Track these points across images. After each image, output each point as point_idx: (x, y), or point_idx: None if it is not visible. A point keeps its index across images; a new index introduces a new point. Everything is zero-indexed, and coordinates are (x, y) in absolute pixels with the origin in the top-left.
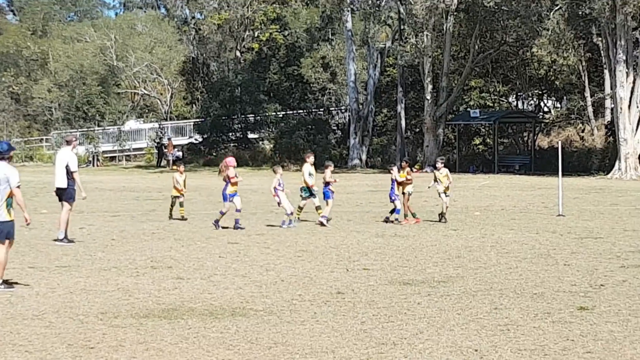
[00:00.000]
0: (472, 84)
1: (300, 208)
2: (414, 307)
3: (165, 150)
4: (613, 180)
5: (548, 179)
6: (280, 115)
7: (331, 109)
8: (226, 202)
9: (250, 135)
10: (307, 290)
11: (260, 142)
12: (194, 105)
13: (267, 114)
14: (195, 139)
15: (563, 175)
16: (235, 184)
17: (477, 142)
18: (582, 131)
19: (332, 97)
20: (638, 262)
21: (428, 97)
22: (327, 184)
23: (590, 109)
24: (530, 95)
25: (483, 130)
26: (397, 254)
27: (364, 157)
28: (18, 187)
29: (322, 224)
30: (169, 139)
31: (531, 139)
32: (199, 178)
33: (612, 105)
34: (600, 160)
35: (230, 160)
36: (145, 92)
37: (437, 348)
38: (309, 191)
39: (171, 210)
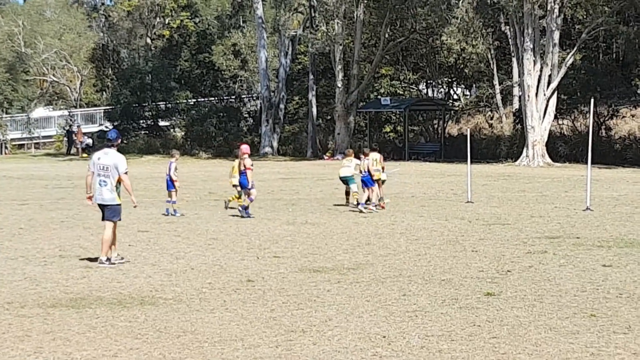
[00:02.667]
0: (383, 71)
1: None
2: (323, 294)
3: (75, 138)
4: (521, 167)
5: (457, 166)
6: (192, 103)
7: (243, 96)
8: (252, 190)
9: (161, 123)
10: (217, 279)
11: (172, 130)
12: (104, 93)
13: (178, 102)
14: (106, 127)
15: (472, 162)
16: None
17: (388, 129)
18: (491, 119)
19: (243, 85)
20: (544, 248)
21: (339, 85)
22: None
23: (498, 97)
24: (440, 83)
25: (394, 117)
26: (307, 241)
27: (275, 144)
28: (125, 173)
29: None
30: (79, 127)
31: (441, 127)
32: None
33: (520, 93)
34: (508, 147)
35: (246, 148)
36: (55, 79)
37: (345, 335)
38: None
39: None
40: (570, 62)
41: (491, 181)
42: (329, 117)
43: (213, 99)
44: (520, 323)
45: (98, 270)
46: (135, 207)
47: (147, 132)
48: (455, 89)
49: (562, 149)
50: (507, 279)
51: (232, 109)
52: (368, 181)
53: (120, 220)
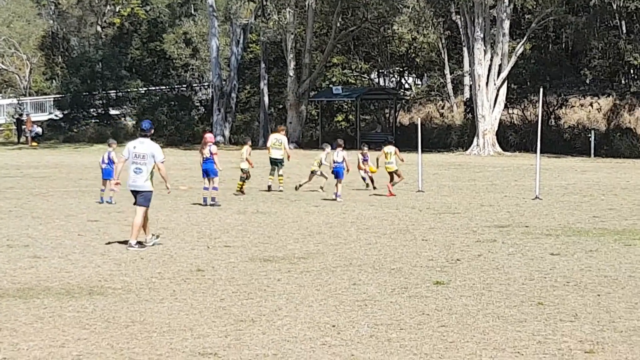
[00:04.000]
0: (335, 60)
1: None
2: (273, 283)
3: (24, 126)
4: (471, 156)
5: (409, 155)
6: (143, 92)
7: (194, 85)
8: (215, 177)
9: (112, 112)
10: (167, 268)
11: (123, 119)
12: (54, 81)
13: (129, 90)
14: (56, 115)
15: (423, 151)
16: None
17: (340, 118)
18: (442, 108)
19: (195, 74)
20: (493, 236)
21: (291, 74)
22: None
23: (449, 86)
24: (391, 72)
25: (345, 106)
26: (258, 230)
27: (227, 133)
28: (162, 162)
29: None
30: (28, 115)
31: (393, 116)
32: (60, 155)
33: (471, 83)
34: (459, 136)
35: (211, 136)
36: (3, 67)
37: (295, 324)
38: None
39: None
40: (520, 51)
41: (442, 170)
42: (280, 106)
43: (164, 87)
44: (468, 312)
45: (46, 261)
46: (169, 193)
47: (97, 120)
48: (406, 78)
49: (512, 138)
50: (457, 268)
51: (184, 97)
52: (339, 172)
53: (148, 206)
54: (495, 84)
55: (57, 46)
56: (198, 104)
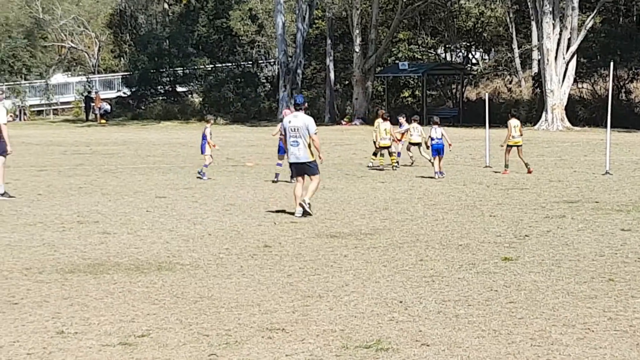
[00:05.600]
0: (401, 36)
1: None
2: (340, 259)
3: (93, 104)
4: (540, 131)
5: (476, 131)
6: (209, 69)
7: (260, 62)
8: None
9: (179, 89)
10: (234, 244)
11: (189, 96)
12: (122, 59)
13: (195, 67)
14: (124, 93)
15: (490, 126)
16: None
17: (406, 94)
18: (510, 83)
19: (261, 50)
20: (562, 212)
21: (357, 50)
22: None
23: (517, 61)
24: (458, 47)
25: (412, 82)
26: (325, 206)
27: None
28: (315, 133)
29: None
30: (97, 93)
31: (459, 91)
32: (128, 132)
33: (539, 57)
34: (527, 111)
35: (288, 112)
36: (73, 45)
37: (362, 300)
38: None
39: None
40: (589, 25)
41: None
42: (346, 82)
43: (230, 64)
44: (537, 288)
45: (116, 237)
46: (322, 162)
47: (164, 98)
48: (473, 53)
49: (582, 112)
50: (525, 244)
51: (250, 74)
52: (440, 149)
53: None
54: (564, 58)
55: (125, 24)
56: (264, 81)
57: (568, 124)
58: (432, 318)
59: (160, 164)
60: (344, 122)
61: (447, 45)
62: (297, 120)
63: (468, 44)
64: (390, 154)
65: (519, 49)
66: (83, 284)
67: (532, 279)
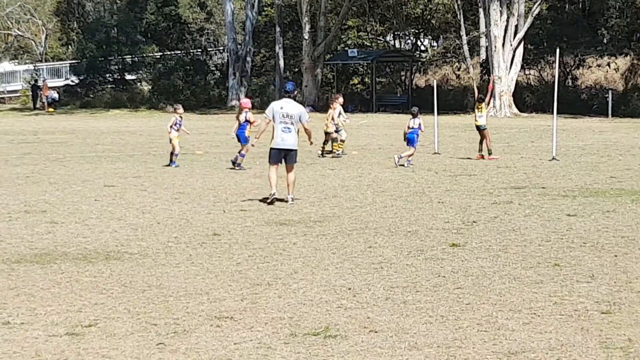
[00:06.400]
0: (350, 23)
1: (342, 141)
2: (289, 247)
3: (41, 92)
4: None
5: (425, 117)
6: (158, 56)
7: (209, 49)
8: (245, 144)
9: (128, 77)
10: (183, 233)
11: (138, 84)
12: (69, 47)
13: (144, 55)
14: (72, 81)
15: (439, 113)
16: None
17: (356, 81)
18: (458, 70)
19: (210, 38)
20: (510, 198)
21: (306, 37)
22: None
23: (465, 48)
24: (407, 34)
25: (361, 69)
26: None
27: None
28: (307, 122)
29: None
30: (44, 81)
31: (408, 78)
32: (76, 120)
33: (487, 44)
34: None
35: (247, 102)
36: (19, 33)
37: (311, 287)
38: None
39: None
40: (536, 11)
41: (458, 132)
42: (296, 70)
43: (180, 52)
44: (484, 273)
45: (63, 226)
46: (312, 145)
47: (113, 86)
48: (422, 40)
49: (529, 99)
50: (473, 230)
51: (199, 62)
52: (411, 139)
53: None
54: (511, 45)
55: (72, 12)
56: (213, 68)
57: (516, 110)
58: (380, 305)
59: (109, 152)
60: None
61: (396, 33)
62: (290, 107)
63: (417, 31)
64: (332, 140)
65: (467, 35)
66: (30, 273)
67: (479, 264)
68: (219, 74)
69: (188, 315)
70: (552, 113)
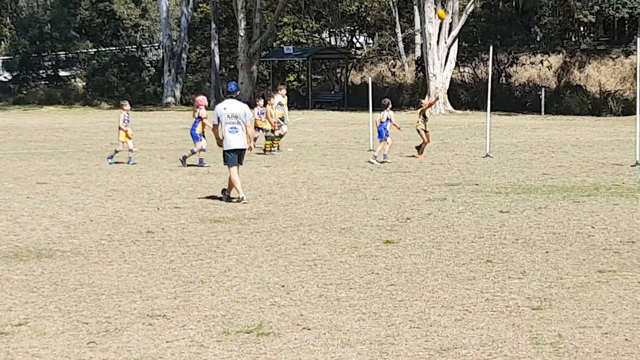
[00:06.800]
0: (286, 20)
1: (281, 135)
2: (223, 244)
3: None
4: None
5: (361, 115)
6: (92, 53)
7: (144, 46)
8: (197, 142)
9: (62, 73)
10: (117, 230)
11: (72, 80)
12: (2, 43)
13: (78, 51)
14: (4, 77)
15: (374, 110)
16: (204, 124)
17: (292, 78)
18: (394, 67)
19: (145, 34)
20: (444, 195)
21: (242, 34)
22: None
23: (401, 45)
24: (342, 31)
25: (297, 66)
26: (209, 191)
27: (178, 94)
28: (250, 122)
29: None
30: None
31: (344, 75)
32: (9, 117)
33: (422, 41)
34: (410, 95)
35: (202, 99)
36: None
37: (244, 285)
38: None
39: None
40: (470, 9)
41: (394, 129)
42: (232, 67)
43: (114, 48)
44: (417, 270)
45: None
46: (250, 150)
47: (47, 82)
48: (357, 37)
49: (464, 96)
50: (407, 227)
51: (134, 58)
52: (380, 132)
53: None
54: (446, 43)
55: (5, 7)
56: (148, 65)
57: (450, 108)
58: (313, 302)
59: (42, 149)
60: None
61: (331, 30)
62: (234, 107)
63: (352, 28)
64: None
65: (402, 33)
66: None
67: (412, 261)
68: (154, 71)
69: (120, 314)
70: (486, 110)
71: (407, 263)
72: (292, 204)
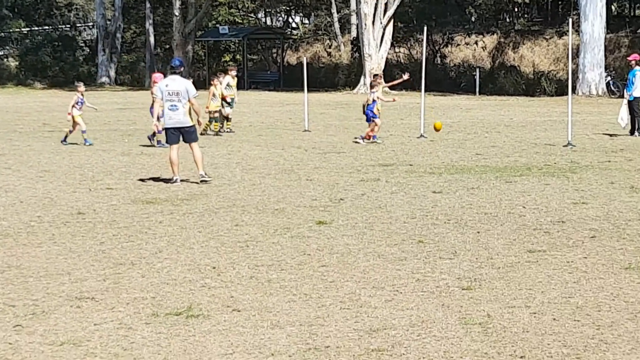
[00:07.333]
0: (221, 0)
1: (228, 118)
2: (155, 225)
3: None
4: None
5: (296, 95)
6: (25, 32)
7: (78, 25)
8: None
9: None
10: (47, 212)
11: (5, 60)
12: None
13: (10, 31)
14: None
15: (310, 91)
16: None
17: (227, 58)
18: (330, 47)
19: (79, 13)
20: (377, 175)
21: (177, 13)
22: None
23: (337, 25)
24: (278, 11)
25: (232, 46)
26: (142, 172)
27: (112, 74)
28: (195, 97)
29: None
30: None
31: (280, 56)
32: None
33: (357, 22)
34: (346, 75)
35: (157, 76)
36: None
37: (175, 267)
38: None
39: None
40: None
41: (329, 110)
42: (167, 47)
43: (48, 27)
44: (349, 251)
45: None
46: (200, 126)
47: None
48: (293, 17)
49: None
50: (340, 207)
51: (68, 38)
52: (367, 115)
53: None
54: (381, 23)
55: None
56: (82, 45)
57: (386, 89)
58: (244, 283)
59: None
60: None
61: (267, 10)
62: (175, 83)
63: (288, 8)
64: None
65: (337, 13)
66: None
67: (344, 242)
68: (88, 50)
69: (48, 296)
70: (421, 91)
71: (339, 244)
72: (226, 185)
